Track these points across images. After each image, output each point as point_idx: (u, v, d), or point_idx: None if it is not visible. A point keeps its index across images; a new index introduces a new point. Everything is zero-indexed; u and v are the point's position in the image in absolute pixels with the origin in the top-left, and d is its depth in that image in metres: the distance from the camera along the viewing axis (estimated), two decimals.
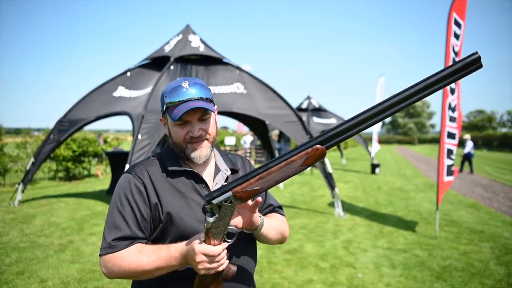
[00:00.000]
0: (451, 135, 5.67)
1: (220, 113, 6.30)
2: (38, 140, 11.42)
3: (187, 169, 1.29)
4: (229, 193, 1.08)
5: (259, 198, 1.16)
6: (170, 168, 1.28)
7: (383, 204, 8.16)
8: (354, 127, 1.03)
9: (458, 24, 5.64)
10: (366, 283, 3.89)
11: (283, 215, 1.46)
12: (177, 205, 1.24)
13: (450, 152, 5.65)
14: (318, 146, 1.06)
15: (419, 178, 13.59)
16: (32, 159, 7.64)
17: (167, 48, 7.95)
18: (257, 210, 1.19)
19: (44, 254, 4.62)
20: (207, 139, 1.28)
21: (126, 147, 12.56)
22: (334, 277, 4.02)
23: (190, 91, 1.22)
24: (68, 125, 7.54)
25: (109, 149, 13.17)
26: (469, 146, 15.32)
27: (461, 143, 13.97)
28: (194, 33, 8.21)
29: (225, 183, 1.12)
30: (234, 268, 1.16)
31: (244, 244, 1.31)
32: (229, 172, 1.36)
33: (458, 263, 4.48)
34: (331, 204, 7.60)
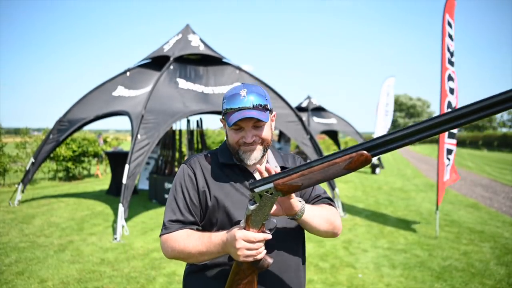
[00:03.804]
0: (451, 135, 5.70)
1: (220, 113, 6.28)
2: (38, 140, 11.40)
3: (237, 163, 1.37)
4: (271, 184, 1.13)
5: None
6: (222, 161, 1.39)
7: (383, 204, 8.15)
8: (404, 138, 1.00)
9: (450, 25, 5.79)
10: (366, 283, 3.89)
11: (332, 205, 1.45)
12: (224, 192, 1.33)
13: (449, 152, 5.67)
14: (364, 152, 1.04)
15: (419, 178, 13.59)
16: (32, 159, 7.63)
17: (167, 48, 7.93)
18: (294, 196, 1.21)
19: (44, 254, 4.61)
20: (260, 143, 1.34)
21: (126, 147, 12.55)
22: (334, 277, 4.01)
23: (247, 99, 1.28)
24: (68, 124, 7.53)
25: (109, 149, 13.16)
26: None
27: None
28: (193, 32, 8.19)
29: (270, 175, 1.17)
30: (270, 260, 1.20)
31: (288, 241, 1.35)
32: (278, 170, 1.38)
33: (459, 263, 4.48)
34: None
